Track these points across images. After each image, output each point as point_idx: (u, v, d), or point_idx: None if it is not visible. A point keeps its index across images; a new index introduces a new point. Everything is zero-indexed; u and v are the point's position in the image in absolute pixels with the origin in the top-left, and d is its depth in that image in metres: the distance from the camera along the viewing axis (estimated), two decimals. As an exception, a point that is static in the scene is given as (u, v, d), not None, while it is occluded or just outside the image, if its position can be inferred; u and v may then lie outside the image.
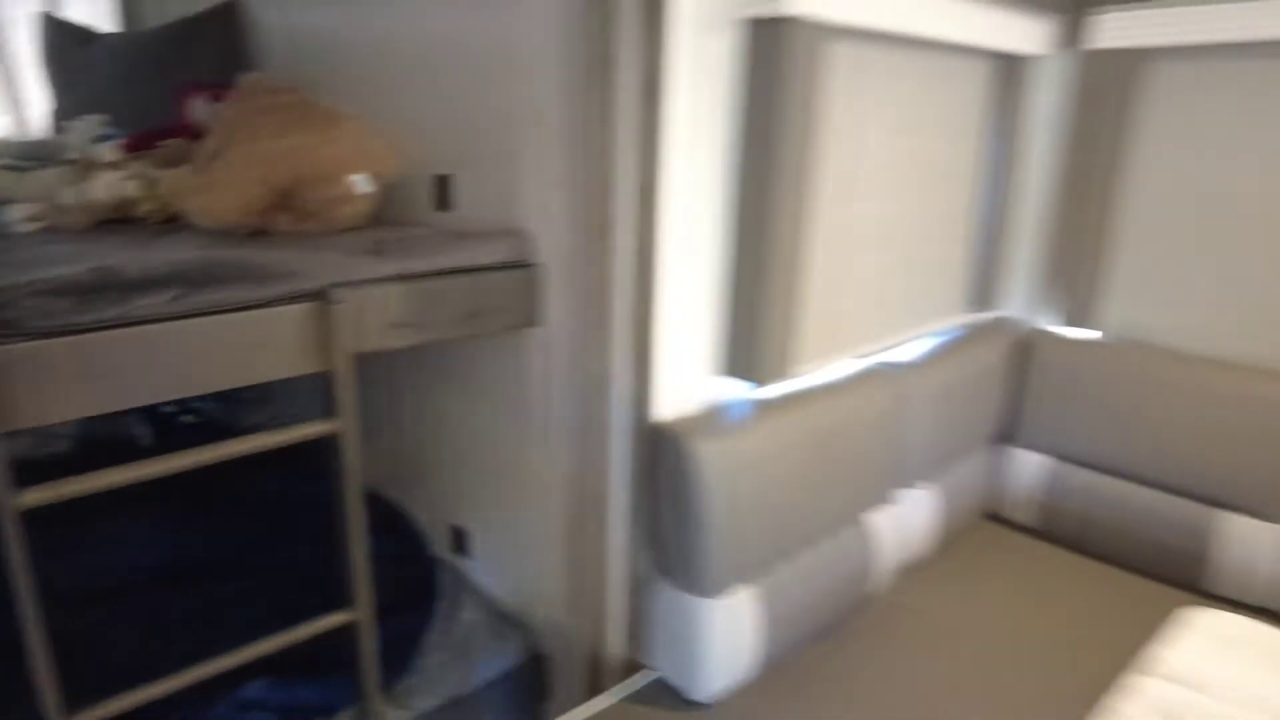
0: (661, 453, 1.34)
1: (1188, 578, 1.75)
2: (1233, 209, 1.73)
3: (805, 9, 1.24)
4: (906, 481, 1.74)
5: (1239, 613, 1.61)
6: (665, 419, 1.37)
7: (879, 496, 1.67)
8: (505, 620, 1.75)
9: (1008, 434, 1.99)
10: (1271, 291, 1.72)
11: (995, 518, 2.04)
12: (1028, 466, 1.94)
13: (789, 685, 1.44)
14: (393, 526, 2.09)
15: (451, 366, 1.76)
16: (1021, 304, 2.06)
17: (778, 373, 1.44)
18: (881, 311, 1.74)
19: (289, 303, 1.23)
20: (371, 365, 2.03)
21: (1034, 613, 1.65)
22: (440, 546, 1.95)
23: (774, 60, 1.27)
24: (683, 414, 1.40)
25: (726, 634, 1.37)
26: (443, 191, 1.72)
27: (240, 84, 1.74)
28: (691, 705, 1.40)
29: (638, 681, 1.47)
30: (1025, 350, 1.95)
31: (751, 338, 1.40)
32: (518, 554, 1.69)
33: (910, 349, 1.82)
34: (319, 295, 1.25)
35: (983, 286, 1.98)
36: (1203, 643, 1.22)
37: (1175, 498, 1.76)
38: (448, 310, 1.42)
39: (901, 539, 1.74)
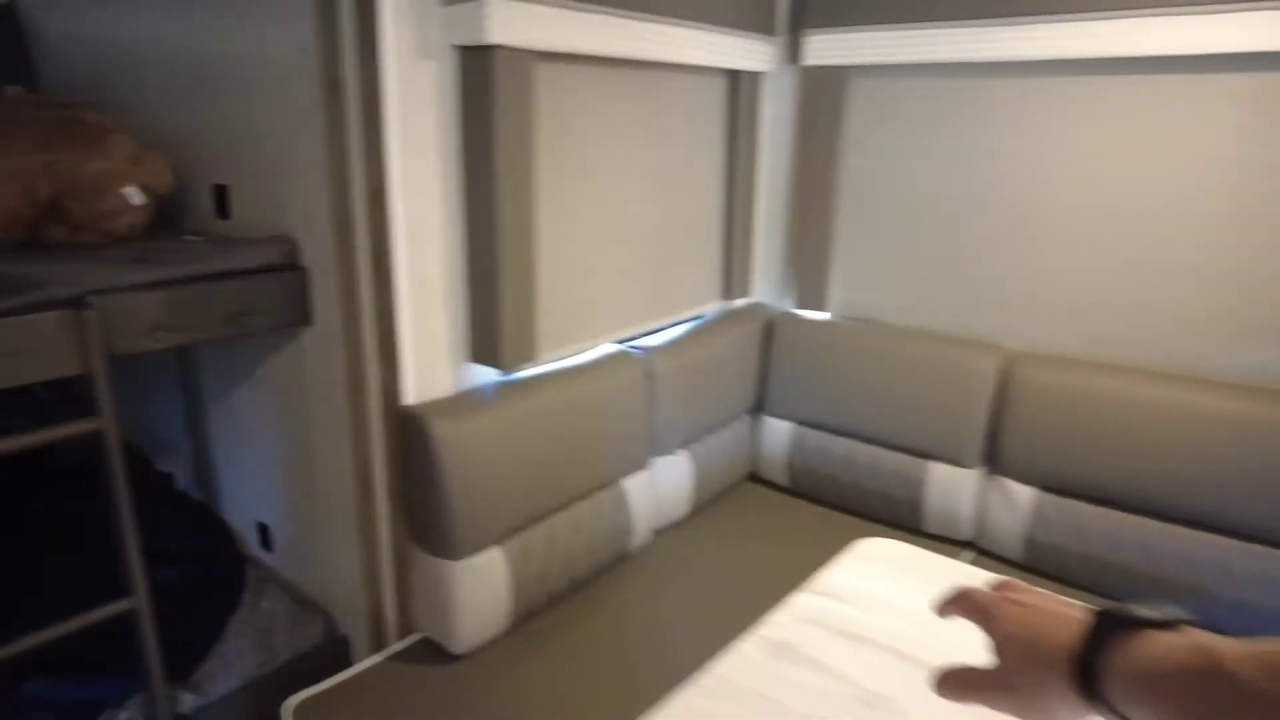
0: (408, 434, 1.50)
1: (909, 521, 2.04)
2: (924, 203, 2.03)
3: (505, 39, 1.43)
4: (663, 450, 1.96)
5: (948, 547, 1.91)
6: (412, 403, 1.53)
7: (634, 464, 1.88)
8: (306, 605, 1.87)
9: (760, 404, 2.24)
10: (958, 271, 2.02)
11: (755, 479, 2.29)
12: (777, 432, 2.20)
13: (542, 634, 1.62)
14: (202, 527, 2.18)
15: (245, 368, 1.87)
16: (769, 291, 2.32)
17: (519, 359, 1.62)
18: (627, 302, 1.95)
19: (42, 310, 1.33)
20: (173, 373, 2.12)
21: (775, 558, 1.89)
22: (249, 543, 2.06)
23: (483, 82, 1.45)
24: (431, 398, 1.56)
25: (476, 591, 1.54)
26: (221, 201, 1.83)
27: (1, 97, 1.80)
28: (450, 658, 1.56)
29: (406, 642, 1.62)
30: (771, 331, 2.21)
31: (490, 329, 1.58)
32: (314, 543, 1.82)
33: (667, 333, 2.04)
34: (72, 303, 1.35)
35: (734, 277, 2.22)
36: (859, 563, 1.47)
37: (892, 452, 2.03)
38: (211, 312, 1.54)
39: (660, 501, 1.96)
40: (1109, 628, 0.47)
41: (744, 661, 1.21)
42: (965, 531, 1.98)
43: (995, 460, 1.91)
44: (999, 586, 0.58)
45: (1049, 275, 1.91)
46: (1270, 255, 1.66)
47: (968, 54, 1.84)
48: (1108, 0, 1.66)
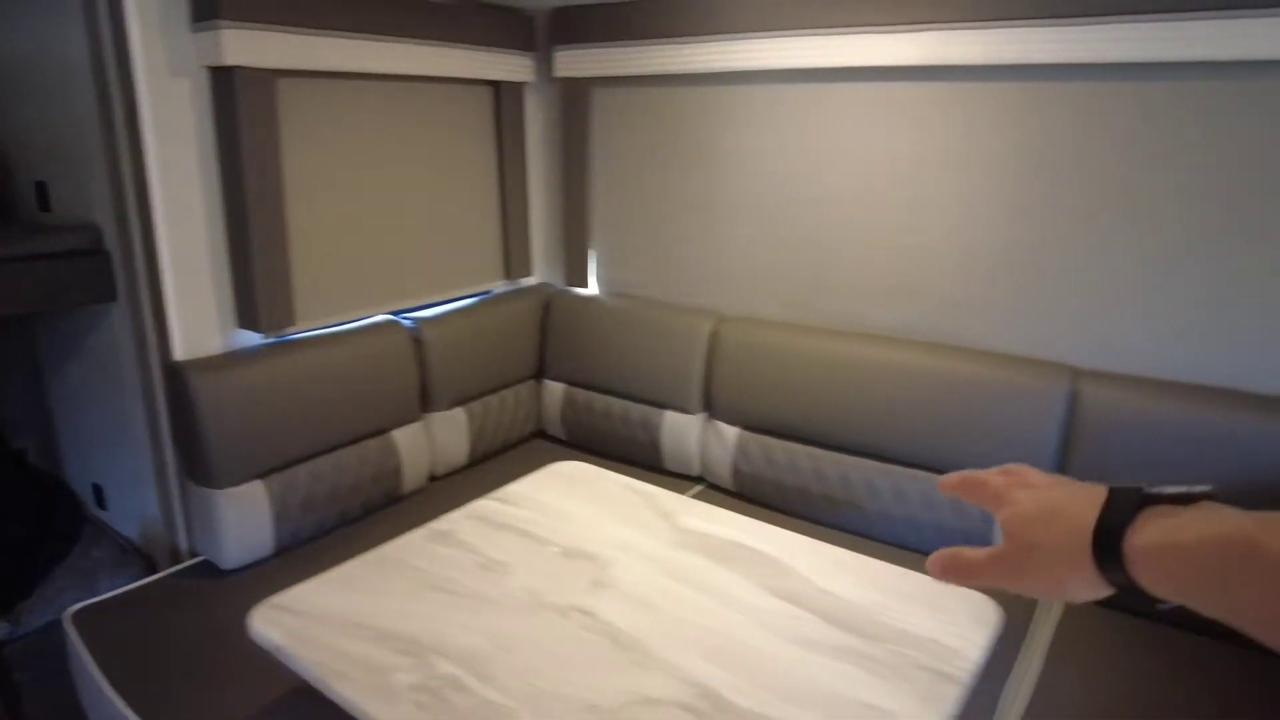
0: (174, 385, 1.82)
1: (652, 462, 2.40)
2: (661, 194, 2.40)
3: (244, 60, 1.76)
4: (437, 406, 2.30)
5: (684, 483, 2.27)
6: (179, 359, 1.86)
7: (405, 417, 2.21)
8: (130, 552, 2.18)
9: (542, 369, 2.59)
10: (687, 251, 2.39)
11: (542, 435, 2.64)
12: (554, 393, 2.55)
13: (307, 557, 1.94)
14: (46, 492, 2.48)
15: (76, 344, 2.18)
16: (548, 272, 2.68)
17: (277, 324, 1.95)
18: (400, 280, 2.29)
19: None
20: (25, 355, 2.42)
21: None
22: (89, 503, 2.36)
23: (228, 97, 1.79)
24: (199, 355, 1.89)
25: (240, 515, 1.86)
26: (43, 195, 2.15)
27: None
28: (220, 574, 1.88)
29: (189, 562, 1.94)
30: (548, 306, 2.56)
31: (249, 298, 1.91)
32: (132, 493, 2.13)
33: (448, 307, 2.38)
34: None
35: (514, 260, 2.58)
36: (545, 478, 1.82)
37: (635, 403, 2.39)
38: (22, 291, 1.86)
39: (437, 451, 2.29)
40: (1130, 502, 0.44)
41: (406, 543, 1.56)
42: (695, 468, 2.34)
43: (711, 406, 2.28)
44: (1006, 473, 0.55)
45: (755, 253, 2.28)
46: (906, 230, 2.04)
47: (688, 66, 2.19)
48: (800, 20, 2.00)
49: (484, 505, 1.71)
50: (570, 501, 1.71)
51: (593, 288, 2.62)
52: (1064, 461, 1.80)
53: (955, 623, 1.30)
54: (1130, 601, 0.44)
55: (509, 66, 2.39)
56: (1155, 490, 0.44)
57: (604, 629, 1.30)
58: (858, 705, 1.13)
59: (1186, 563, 0.41)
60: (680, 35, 2.20)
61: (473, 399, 2.41)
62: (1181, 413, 1.67)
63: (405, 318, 2.28)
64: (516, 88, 2.46)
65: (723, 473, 2.26)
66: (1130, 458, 1.70)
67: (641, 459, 2.42)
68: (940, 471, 1.91)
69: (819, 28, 1.98)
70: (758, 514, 2.12)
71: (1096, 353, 1.85)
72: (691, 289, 2.42)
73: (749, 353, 2.19)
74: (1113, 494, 0.46)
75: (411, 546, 1.55)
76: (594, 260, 2.59)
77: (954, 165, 1.94)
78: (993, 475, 0.55)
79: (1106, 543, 0.44)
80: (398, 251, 2.27)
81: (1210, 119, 1.64)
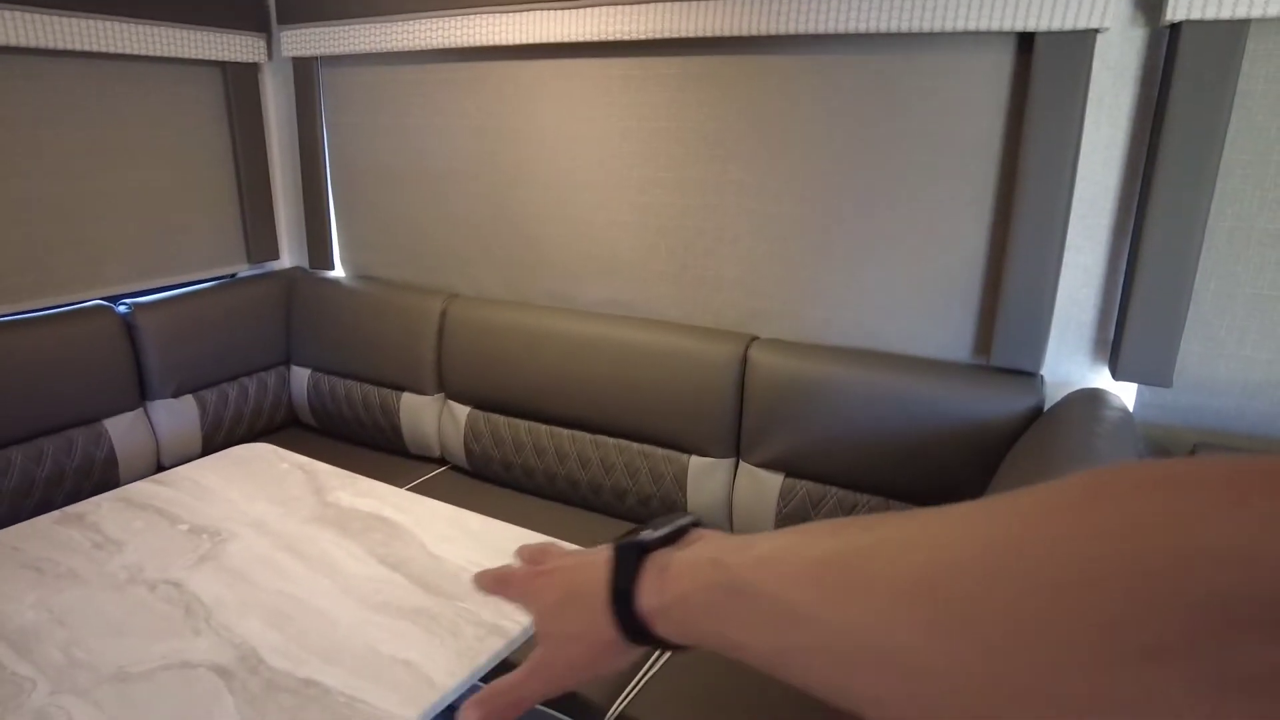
0: None
1: (395, 445, 2.38)
2: (394, 175, 2.38)
3: None
4: (159, 394, 2.24)
5: (426, 465, 2.26)
6: None
7: (118, 406, 2.14)
8: None
9: (290, 356, 2.55)
10: (423, 233, 2.37)
11: (297, 422, 2.60)
12: (302, 380, 2.51)
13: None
14: None
15: None
16: (300, 256, 2.64)
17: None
18: (113, 264, 2.22)
19: None
20: None
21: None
22: None
23: None
24: None
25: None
26: None
27: None
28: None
29: None
30: (293, 289, 2.52)
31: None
32: None
33: (173, 292, 2.32)
34: None
35: (255, 243, 2.53)
36: (218, 461, 1.79)
37: (376, 387, 2.37)
38: None
39: (163, 439, 2.23)
40: (631, 561, 0.42)
41: (32, 527, 1.51)
42: (435, 450, 2.33)
43: (444, 386, 2.27)
44: (531, 559, 0.50)
45: (483, 232, 2.28)
46: (601, 208, 2.06)
47: (409, 43, 2.17)
48: None
49: (138, 487, 1.67)
50: (228, 482, 1.69)
51: (339, 270, 2.58)
52: (740, 421, 1.85)
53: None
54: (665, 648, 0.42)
55: (236, 46, 2.34)
56: (646, 538, 0.42)
57: (183, 600, 1.28)
58: (391, 660, 1.14)
59: (689, 614, 0.38)
60: (402, 12, 2.19)
61: (206, 387, 2.35)
62: (838, 374, 1.73)
63: (123, 303, 2.22)
64: (249, 68, 2.41)
65: (457, 452, 2.26)
66: (794, 415, 1.76)
67: (385, 443, 2.40)
68: (641, 440, 1.95)
69: (534, 3, 1.97)
70: (491, 492, 2.14)
71: (772, 321, 1.91)
72: (430, 269, 2.41)
73: (475, 332, 2.19)
74: (616, 555, 0.43)
75: (34, 529, 1.50)
76: (339, 243, 2.55)
77: (639, 143, 1.97)
78: (517, 569, 0.50)
79: (624, 613, 0.41)
80: (108, 236, 2.21)
81: (865, 94, 1.70)
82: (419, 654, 1.15)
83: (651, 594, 0.41)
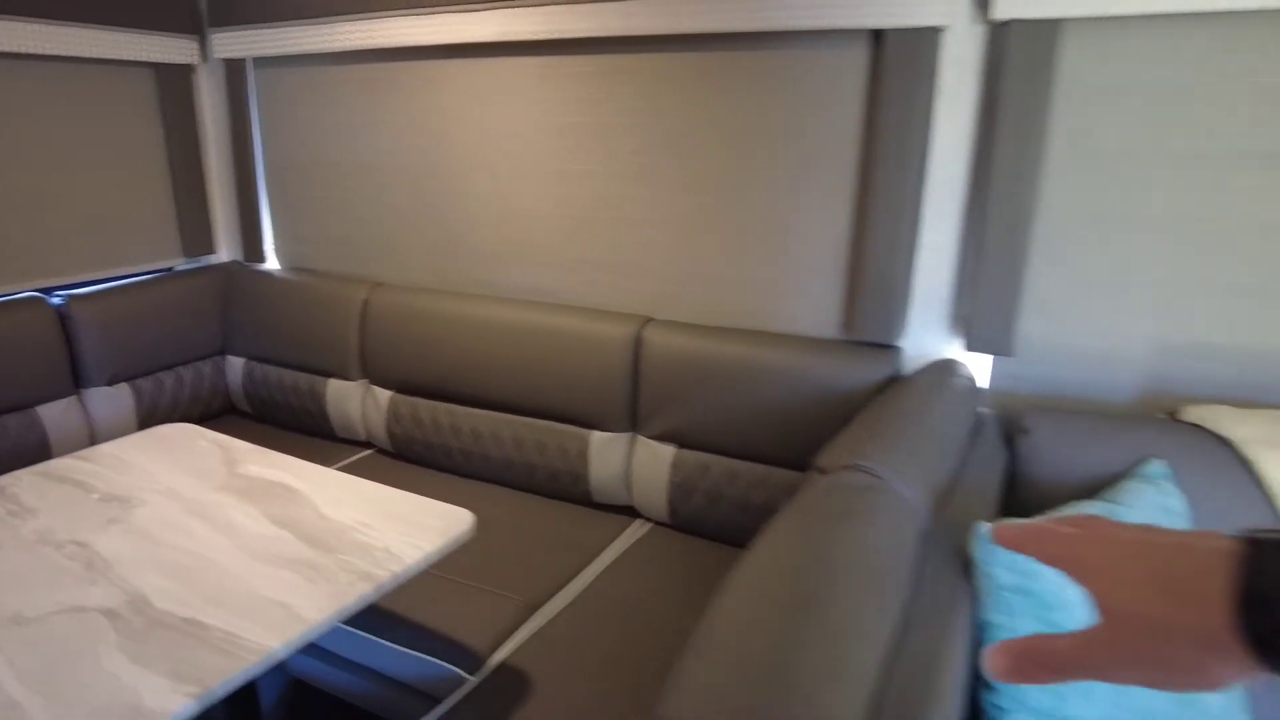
0: None
1: (325, 430, 2.48)
2: (328, 169, 2.49)
3: None
4: (93, 383, 2.33)
5: (352, 448, 2.36)
6: None
7: (52, 393, 2.24)
8: None
9: (226, 346, 2.65)
10: (355, 224, 2.48)
11: (234, 410, 2.70)
12: (236, 369, 2.61)
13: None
14: None
15: None
16: (236, 250, 2.74)
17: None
18: (47, 257, 2.32)
19: None
20: None
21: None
22: None
23: None
24: None
25: None
26: None
27: None
28: None
29: None
30: (229, 282, 2.62)
31: None
32: None
33: (111, 285, 2.41)
34: None
35: (191, 237, 2.63)
36: (143, 439, 1.90)
37: (305, 374, 2.48)
38: None
39: (97, 427, 2.32)
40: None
41: (-50, 501, 1.60)
42: (360, 433, 2.44)
43: (368, 372, 2.38)
44: (1077, 524, 0.42)
45: (410, 223, 2.39)
46: (515, 197, 2.18)
47: (335, 45, 2.28)
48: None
49: (60, 462, 1.76)
50: (148, 457, 1.79)
51: (274, 263, 2.68)
52: (636, 397, 1.97)
53: (419, 535, 1.43)
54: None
55: (168, 49, 2.44)
56: None
57: (86, 557, 1.38)
58: (269, 601, 1.24)
59: None
60: (327, 15, 2.30)
61: (141, 375, 2.45)
62: (722, 351, 1.86)
63: (58, 295, 2.31)
64: (183, 69, 2.52)
65: (379, 434, 2.37)
66: (684, 390, 1.89)
67: (314, 428, 2.50)
68: (548, 417, 2.07)
69: (445, 7, 2.08)
70: (412, 472, 2.25)
71: (669, 304, 2.03)
72: (359, 259, 2.51)
73: (396, 319, 2.30)
74: (1255, 547, 0.34)
75: (-44, 503, 1.59)
76: (273, 236, 2.65)
77: (552, 137, 2.09)
78: (1061, 525, 0.42)
79: (1259, 617, 0.33)
80: (45, 232, 2.30)
81: (744, 89, 1.82)
82: (295, 597, 1.26)
83: None
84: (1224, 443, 1.36)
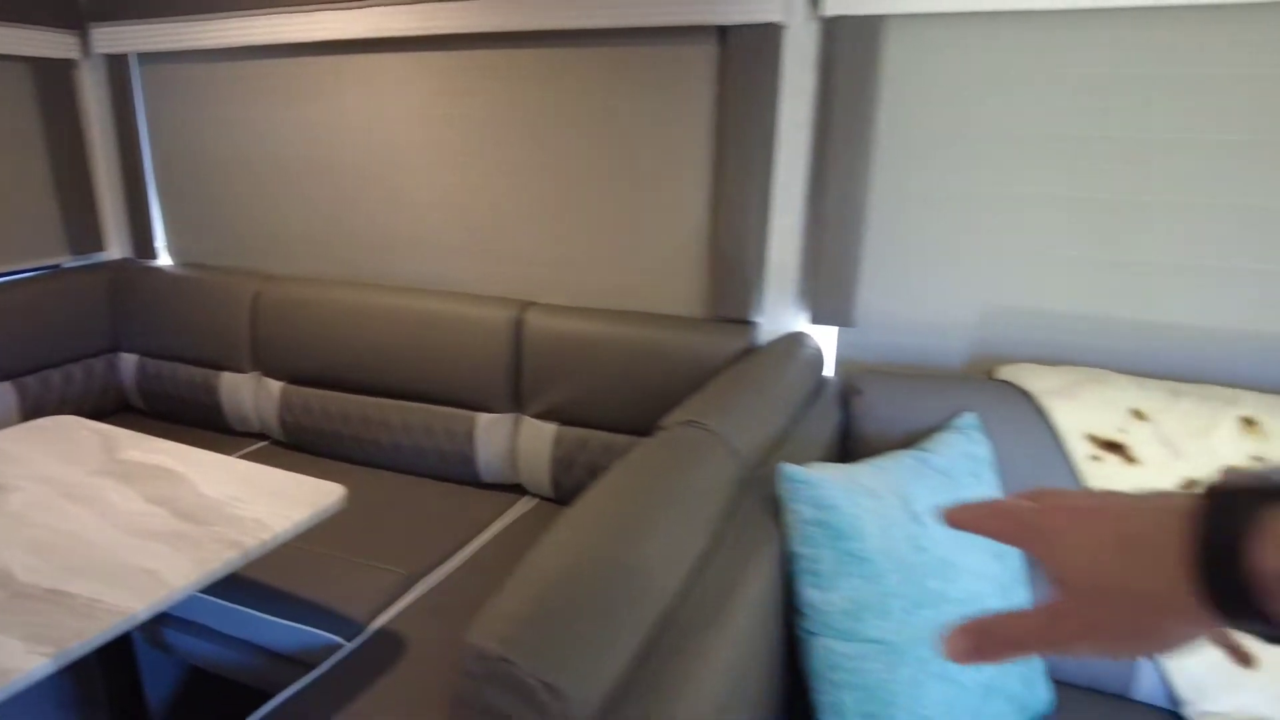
0: None
1: (218, 423, 2.50)
2: (221, 164, 2.51)
3: None
4: (-23, 381, 2.31)
5: (246, 440, 2.38)
6: None
7: (-69, 391, 2.22)
8: None
9: (118, 343, 2.64)
10: (249, 217, 2.51)
11: (128, 407, 2.69)
12: (130, 366, 2.61)
13: None
14: None
15: None
16: (125, 247, 2.74)
17: None
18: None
19: None
20: None
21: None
22: None
23: None
24: None
25: None
26: None
27: None
28: None
29: None
30: (120, 278, 2.62)
31: None
32: None
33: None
34: None
35: (77, 235, 2.62)
36: (21, 430, 1.91)
37: (196, 367, 2.49)
38: None
39: (-22, 425, 2.31)
40: (1244, 505, 0.32)
41: None
42: (254, 425, 2.46)
43: (259, 363, 2.41)
44: (1036, 497, 0.42)
45: (304, 216, 2.43)
46: (405, 189, 2.24)
47: (219, 41, 2.31)
48: None
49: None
50: (27, 447, 1.80)
51: (165, 259, 2.69)
52: (519, 379, 2.05)
53: (290, 507, 1.49)
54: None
55: (46, 43, 2.44)
56: (1273, 481, 0.33)
57: (-46, 539, 1.40)
58: (135, 569, 1.29)
59: None
60: (208, 11, 2.32)
61: (27, 373, 2.43)
62: (597, 331, 1.96)
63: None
64: (63, 64, 2.51)
65: (275, 426, 2.40)
66: (562, 370, 1.99)
67: (209, 422, 2.52)
68: (436, 401, 2.14)
69: (322, 4, 2.13)
70: (305, 461, 2.29)
71: (549, 288, 2.12)
72: (252, 253, 2.54)
73: (287, 310, 2.34)
74: (1214, 497, 0.34)
75: None
76: (165, 232, 2.66)
77: (436, 130, 2.16)
78: (1019, 500, 0.42)
79: (1218, 570, 0.32)
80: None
81: (609, 82, 1.93)
82: (161, 565, 1.31)
83: (1273, 541, 0.31)
84: (1027, 395, 1.51)
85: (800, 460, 1.36)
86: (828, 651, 1.14)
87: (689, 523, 1.07)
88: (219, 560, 1.33)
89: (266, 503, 1.53)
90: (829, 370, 1.86)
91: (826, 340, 1.85)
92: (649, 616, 0.92)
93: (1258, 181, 1.46)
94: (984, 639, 0.39)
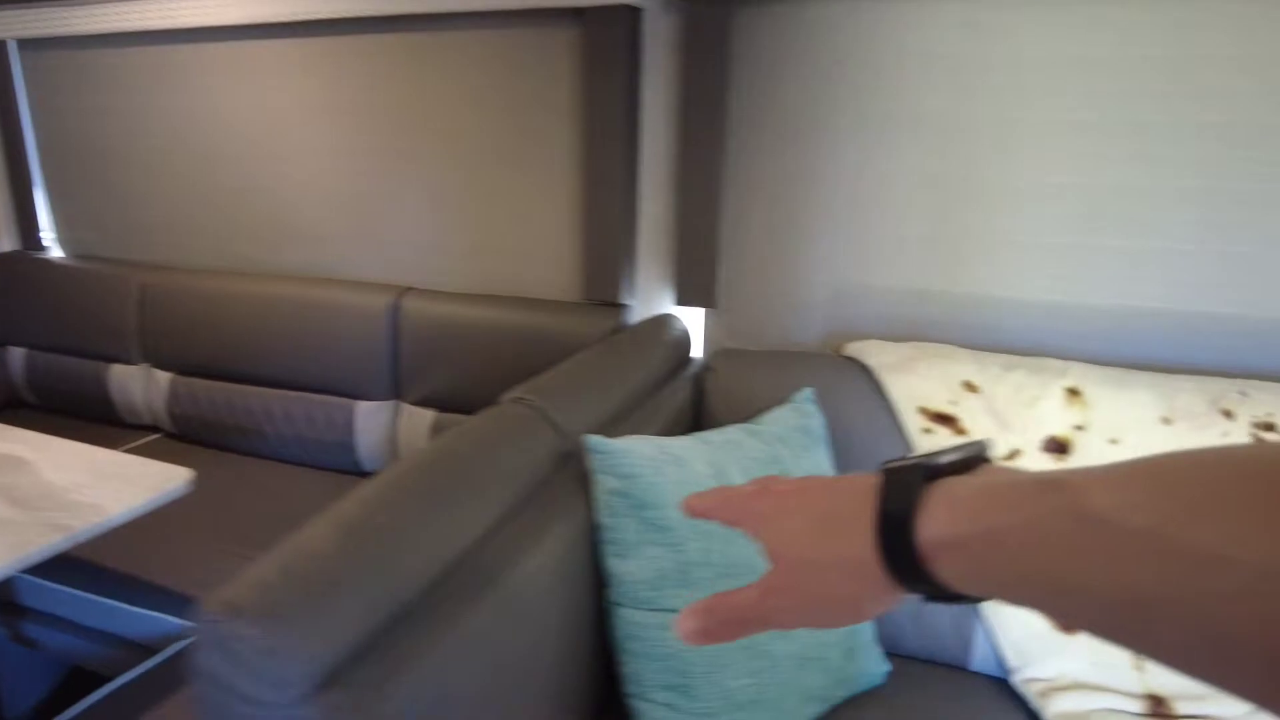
0: None
1: (107, 415, 2.47)
2: (105, 158, 2.47)
3: None
4: None
5: (139, 433, 2.35)
6: None
7: None
8: None
9: (6, 338, 2.60)
10: (141, 206, 2.47)
11: (19, 402, 2.65)
12: (18, 359, 2.57)
13: None
14: None
15: None
16: (12, 239, 2.70)
17: None
18: None
19: None
20: None
21: None
22: None
23: None
24: None
25: None
26: None
27: None
28: None
29: None
30: (6, 271, 2.58)
31: None
32: None
33: None
34: None
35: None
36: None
37: (75, 359, 2.46)
38: None
39: None
40: (911, 484, 0.36)
41: None
42: (146, 418, 2.43)
43: (148, 355, 2.38)
44: (755, 484, 0.46)
45: (188, 205, 2.40)
46: (284, 177, 2.22)
47: (97, 26, 2.27)
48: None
49: None
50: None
51: (55, 251, 2.65)
52: (396, 362, 2.05)
53: (131, 492, 1.48)
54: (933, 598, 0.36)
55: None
56: (933, 460, 0.36)
57: None
58: (-51, 557, 1.27)
59: (1004, 550, 0.31)
60: None
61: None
62: (473, 316, 1.97)
63: None
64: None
65: (165, 418, 2.37)
66: (440, 355, 1.99)
67: (101, 415, 2.49)
68: (317, 390, 2.12)
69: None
70: (193, 453, 2.26)
71: (433, 274, 2.12)
72: (139, 245, 2.51)
73: (173, 301, 2.31)
74: (888, 476, 0.37)
75: None
76: (53, 224, 2.62)
77: (322, 116, 2.15)
78: (739, 488, 0.46)
79: (894, 543, 0.35)
80: None
81: (480, 67, 1.92)
82: (-22, 548, 1.29)
83: (940, 524, 0.34)
84: (866, 370, 1.52)
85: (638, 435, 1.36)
86: (628, 622, 1.14)
87: (481, 495, 1.07)
88: (41, 543, 1.32)
89: (110, 488, 1.51)
90: (699, 350, 1.86)
91: (696, 322, 1.85)
92: (410, 586, 0.91)
93: (1094, 160, 1.49)
94: (708, 619, 0.41)
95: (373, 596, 0.86)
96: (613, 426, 1.41)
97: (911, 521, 0.35)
